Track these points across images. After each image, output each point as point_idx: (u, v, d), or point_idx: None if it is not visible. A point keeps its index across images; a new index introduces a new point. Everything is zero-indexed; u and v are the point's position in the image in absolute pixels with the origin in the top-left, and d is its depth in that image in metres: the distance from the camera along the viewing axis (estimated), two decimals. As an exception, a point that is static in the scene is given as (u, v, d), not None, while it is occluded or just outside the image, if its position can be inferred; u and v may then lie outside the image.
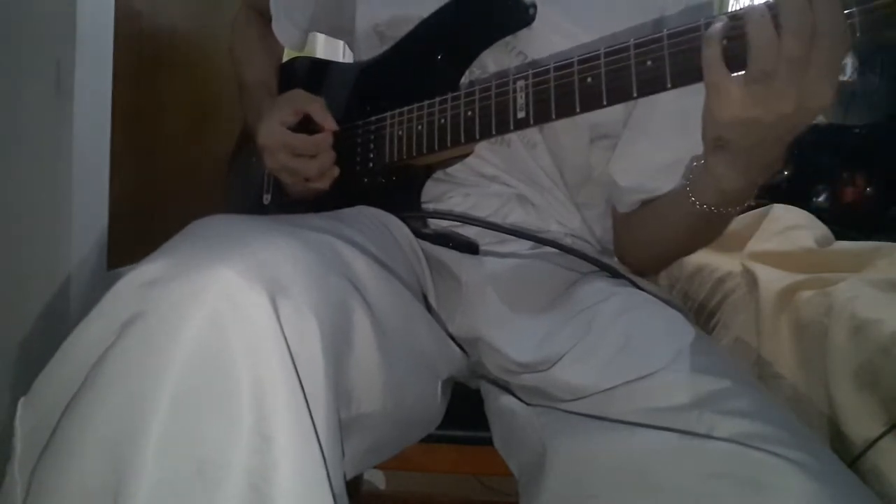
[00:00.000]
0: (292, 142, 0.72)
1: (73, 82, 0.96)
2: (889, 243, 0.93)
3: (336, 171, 0.74)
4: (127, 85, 1.11)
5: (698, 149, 0.55)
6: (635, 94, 0.53)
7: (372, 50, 0.78)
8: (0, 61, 0.96)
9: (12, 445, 0.39)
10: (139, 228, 1.19)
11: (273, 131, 0.73)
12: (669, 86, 0.52)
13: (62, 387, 0.38)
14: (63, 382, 0.38)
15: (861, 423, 0.68)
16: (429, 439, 0.64)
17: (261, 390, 0.36)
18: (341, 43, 2.28)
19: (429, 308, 0.66)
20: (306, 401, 0.37)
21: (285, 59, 0.97)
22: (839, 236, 1.09)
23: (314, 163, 0.72)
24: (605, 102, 0.55)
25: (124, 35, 1.07)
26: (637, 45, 0.53)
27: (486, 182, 0.73)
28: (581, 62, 0.56)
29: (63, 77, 0.96)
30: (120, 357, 0.36)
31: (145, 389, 0.35)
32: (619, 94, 0.54)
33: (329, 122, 0.74)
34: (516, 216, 0.73)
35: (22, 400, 0.40)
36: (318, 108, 0.74)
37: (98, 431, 0.35)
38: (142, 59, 1.19)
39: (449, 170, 0.73)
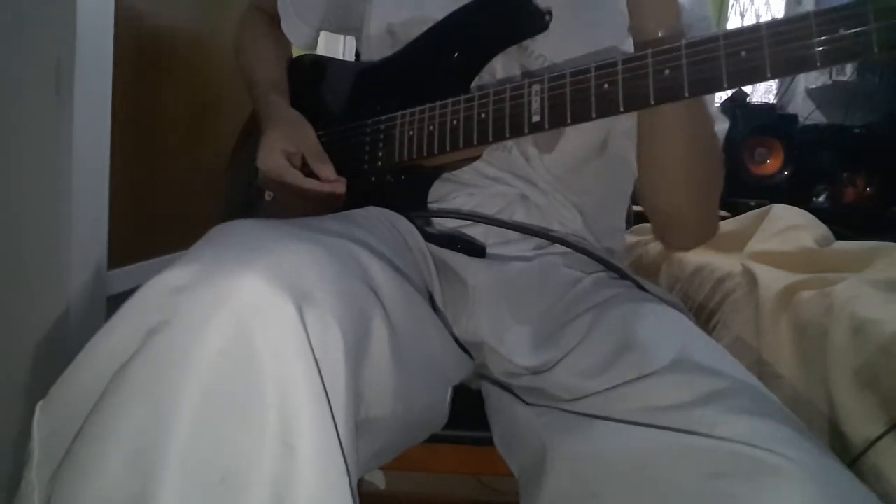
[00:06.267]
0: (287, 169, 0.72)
1: (73, 82, 0.96)
2: (889, 243, 0.93)
3: (343, 183, 0.72)
4: (127, 85, 1.11)
5: None
6: (652, 102, 0.54)
7: (383, 50, 0.78)
8: (0, 61, 0.96)
9: (28, 449, 0.39)
10: (139, 228, 1.19)
11: (270, 159, 0.72)
12: (687, 94, 0.52)
13: (83, 393, 0.37)
14: (84, 388, 0.38)
15: (861, 423, 0.68)
16: (429, 439, 0.64)
17: (285, 399, 0.35)
18: (341, 41, 2.29)
19: (435, 310, 0.66)
20: (331, 409, 0.37)
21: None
22: (839, 236, 1.09)
23: (312, 179, 0.71)
24: (621, 109, 0.56)
25: (124, 35, 1.07)
26: (655, 54, 0.54)
27: (490, 182, 0.73)
28: (598, 68, 0.57)
29: (63, 77, 0.96)
30: (144, 365, 0.36)
31: (170, 398, 0.34)
32: (636, 101, 0.55)
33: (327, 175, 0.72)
34: (520, 216, 0.73)
35: (40, 404, 0.39)
36: (321, 167, 0.72)
37: (121, 440, 0.35)
38: (142, 59, 1.18)
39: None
